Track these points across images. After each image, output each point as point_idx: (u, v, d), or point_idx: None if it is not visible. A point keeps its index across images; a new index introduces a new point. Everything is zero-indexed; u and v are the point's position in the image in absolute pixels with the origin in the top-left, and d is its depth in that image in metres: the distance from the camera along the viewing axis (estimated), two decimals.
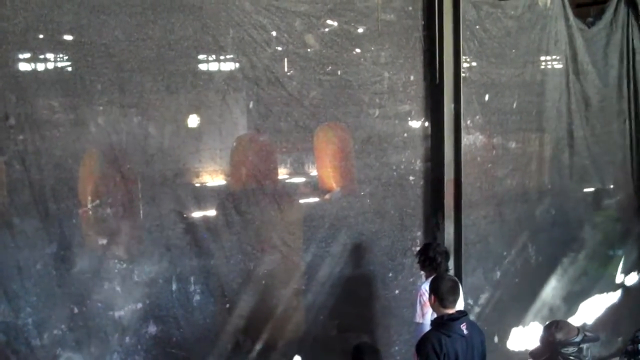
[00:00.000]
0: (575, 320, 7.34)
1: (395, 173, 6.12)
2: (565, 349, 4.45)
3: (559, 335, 4.46)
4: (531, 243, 7.23)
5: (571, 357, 4.44)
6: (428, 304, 4.99)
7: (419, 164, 6.25)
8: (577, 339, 4.47)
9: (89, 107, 4.67)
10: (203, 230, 5.12)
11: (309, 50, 5.58)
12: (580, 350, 4.47)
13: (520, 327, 7.11)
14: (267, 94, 5.36)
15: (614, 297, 8.03)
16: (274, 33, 5.36)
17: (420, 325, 5.18)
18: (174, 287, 4.94)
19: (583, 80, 7.31)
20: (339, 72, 5.71)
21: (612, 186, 8.00)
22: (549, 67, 7.16)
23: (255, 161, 5.42)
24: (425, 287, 5.12)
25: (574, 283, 7.44)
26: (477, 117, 6.56)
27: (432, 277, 5.06)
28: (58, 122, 4.57)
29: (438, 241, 6.07)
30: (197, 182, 5.14)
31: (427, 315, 5.11)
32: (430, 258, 5.32)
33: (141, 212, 4.88)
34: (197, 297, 5.06)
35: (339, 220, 5.82)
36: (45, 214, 4.45)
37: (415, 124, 6.22)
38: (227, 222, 5.22)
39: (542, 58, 7.00)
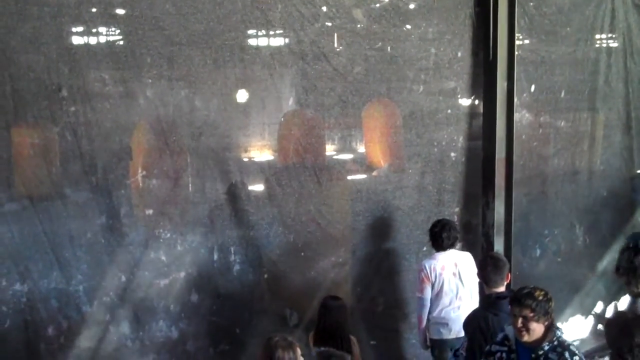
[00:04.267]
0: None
1: (436, 149, 6.11)
2: None
3: None
4: (578, 224, 7.15)
5: None
6: (426, 279, 5.23)
7: (461, 141, 6.21)
8: None
9: (138, 79, 4.77)
10: (248, 203, 5.24)
11: (357, 25, 5.54)
12: None
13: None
14: (312, 68, 5.39)
15: None
16: (323, 8, 5.34)
17: (419, 299, 5.32)
18: (215, 256, 5.11)
19: (638, 59, 7.07)
20: (385, 48, 5.67)
21: None
22: (604, 45, 6.94)
23: (302, 136, 5.47)
24: (425, 263, 5.30)
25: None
26: (525, 95, 6.46)
27: (438, 254, 5.28)
28: (108, 94, 4.70)
29: (478, 219, 6.17)
30: (242, 156, 5.25)
31: (425, 290, 5.25)
32: (434, 234, 5.36)
33: (186, 183, 5.02)
34: (237, 267, 5.23)
35: (376, 195, 5.87)
36: (95, 185, 4.64)
37: (460, 100, 6.16)
38: (269, 195, 5.33)
39: (597, 36, 6.79)
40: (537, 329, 3.79)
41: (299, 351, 3.57)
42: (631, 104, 7.13)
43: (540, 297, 3.78)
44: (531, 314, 3.75)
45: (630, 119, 7.19)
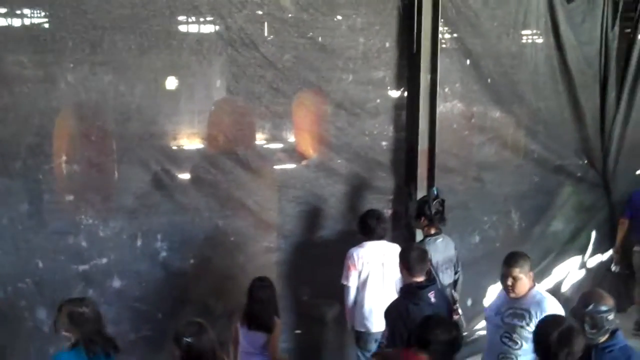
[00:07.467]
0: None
1: (367, 138, 6.19)
2: None
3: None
4: (513, 209, 7.40)
5: None
6: (352, 267, 5.29)
7: (391, 131, 6.31)
8: None
9: (59, 64, 4.67)
10: (174, 189, 5.21)
11: (284, 12, 5.56)
12: None
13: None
14: (241, 55, 5.37)
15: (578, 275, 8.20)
16: None
17: (345, 287, 5.39)
18: (139, 243, 5.06)
19: (564, 54, 7.28)
20: (314, 37, 5.70)
21: (585, 162, 8.02)
22: (529, 39, 7.14)
23: (232, 124, 5.47)
24: (353, 251, 5.34)
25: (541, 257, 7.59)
26: (457, 84, 6.61)
27: (367, 243, 5.34)
28: (27, 78, 4.58)
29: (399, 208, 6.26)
30: (169, 143, 5.19)
31: (351, 278, 5.31)
32: (365, 223, 5.44)
33: (111, 169, 4.97)
34: (163, 253, 5.20)
35: (309, 182, 5.92)
36: (13, 170, 4.53)
37: (389, 90, 6.26)
38: (197, 182, 5.31)
39: (520, 30, 6.97)
40: None
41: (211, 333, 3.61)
42: (551, 97, 7.35)
43: None
44: None
45: (549, 111, 7.40)
